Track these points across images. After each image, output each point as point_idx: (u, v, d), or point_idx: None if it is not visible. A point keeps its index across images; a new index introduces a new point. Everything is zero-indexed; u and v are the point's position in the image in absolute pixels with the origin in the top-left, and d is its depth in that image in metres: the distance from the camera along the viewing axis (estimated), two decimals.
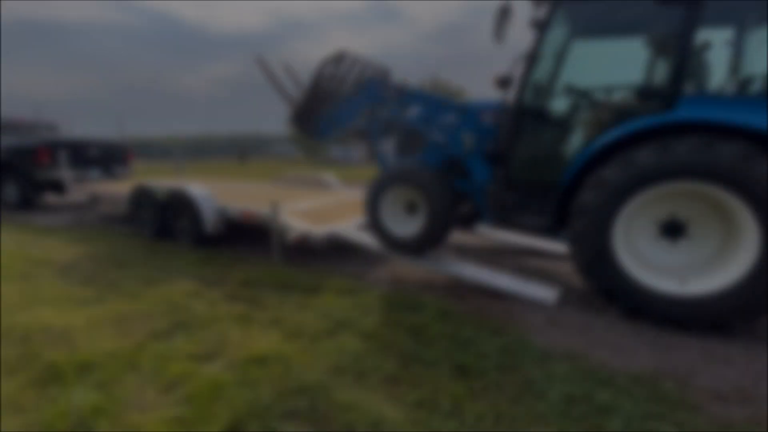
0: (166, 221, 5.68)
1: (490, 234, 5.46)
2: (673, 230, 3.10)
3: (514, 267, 4.53)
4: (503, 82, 3.55)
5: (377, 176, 4.23)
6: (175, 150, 11.28)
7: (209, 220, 5.10)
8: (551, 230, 3.52)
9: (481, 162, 3.99)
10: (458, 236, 6.02)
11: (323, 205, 5.69)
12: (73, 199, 10.00)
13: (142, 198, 5.96)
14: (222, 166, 29.38)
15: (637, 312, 3.10)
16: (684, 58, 2.98)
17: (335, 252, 5.07)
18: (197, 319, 3.07)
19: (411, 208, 4.20)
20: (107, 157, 9.75)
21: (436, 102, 4.29)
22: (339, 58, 4.57)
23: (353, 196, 6.52)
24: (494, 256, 4.98)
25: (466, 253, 5.21)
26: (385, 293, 3.64)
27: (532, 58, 3.47)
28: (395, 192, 4.14)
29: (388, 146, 4.67)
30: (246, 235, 5.85)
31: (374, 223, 4.25)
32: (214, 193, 5.40)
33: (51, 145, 8.51)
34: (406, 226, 4.16)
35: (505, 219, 3.75)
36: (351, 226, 4.87)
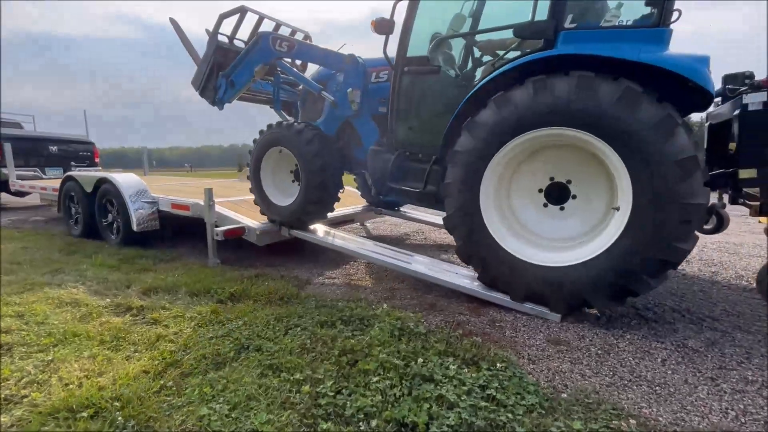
0: (94, 217, 4.79)
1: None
2: (560, 196, 2.56)
3: None
4: (383, 26, 2.94)
5: (257, 141, 3.71)
6: (145, 155, 10.65)
7: (138, 213, 4.19)
8: (432, 201, 3.00)
9: (371, 125, 3.47)
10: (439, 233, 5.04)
11: None
12: (34, 199, 9.23)
13: (71, 192, 5.09)
14: (221, 173, 28.98)
15: (534, 300, 2.49)
16: None
17: (287, 251, 4.12)
18: (41, 340, 2.13)
19: (297, 177, 3.69)
20: (69, 155, 8.96)
21: (325, 56, 3.68)
22: (240, 14, 3.82)
23: None
24: None
25: (446, 249, 4.24)
26: (327, 302, 2.68)
27: None
28: (273, 157, 3.68)
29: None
30: (199, 235, 4.94)
31: (256, 192, 3.75)
32: (149, 184, 4.52)
33: (1, 140, 7.71)
34: (289, 195, 3.65)
35: (385, 185, 3.23)
36: None
